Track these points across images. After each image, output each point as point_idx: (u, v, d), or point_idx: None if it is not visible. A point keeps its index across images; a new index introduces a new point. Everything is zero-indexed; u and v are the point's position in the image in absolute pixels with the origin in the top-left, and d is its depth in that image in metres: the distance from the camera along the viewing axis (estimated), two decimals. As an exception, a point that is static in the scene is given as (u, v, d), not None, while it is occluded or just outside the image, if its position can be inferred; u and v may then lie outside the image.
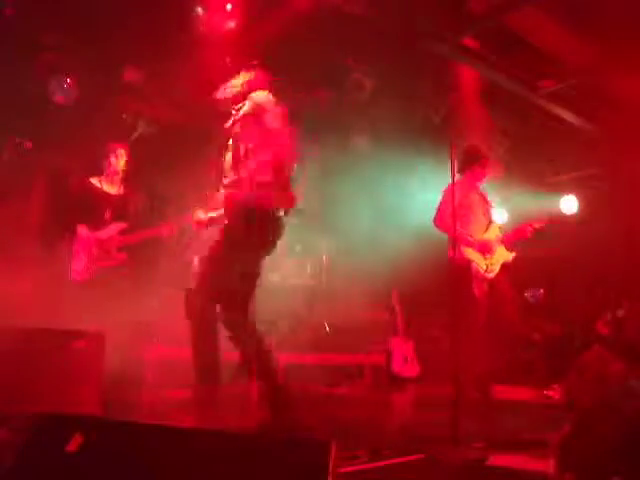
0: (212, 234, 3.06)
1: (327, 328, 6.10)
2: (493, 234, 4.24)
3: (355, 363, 5.76)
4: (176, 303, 4.96)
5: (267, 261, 2.98)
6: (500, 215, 6.11)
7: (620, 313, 5.46)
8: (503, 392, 4.50)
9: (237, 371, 3.24)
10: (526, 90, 5.85)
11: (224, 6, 4.73)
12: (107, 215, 4.15)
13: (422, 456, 2.44)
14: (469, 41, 5.17)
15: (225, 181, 2.90)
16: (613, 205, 6.01)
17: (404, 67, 5.32)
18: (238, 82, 3.07)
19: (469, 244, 4.06)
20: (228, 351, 2.96)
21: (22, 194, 4.94)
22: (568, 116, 6.19)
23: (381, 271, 6.33)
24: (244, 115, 2.90)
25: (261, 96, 2.90)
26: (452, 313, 3.24)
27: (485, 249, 4.13)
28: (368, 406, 4.60)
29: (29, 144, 4.98)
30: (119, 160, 4.29)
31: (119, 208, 4.24)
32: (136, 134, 5.59)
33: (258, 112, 2.82)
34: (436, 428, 2.99)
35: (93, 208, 4.13)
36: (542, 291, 6.80)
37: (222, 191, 2.90)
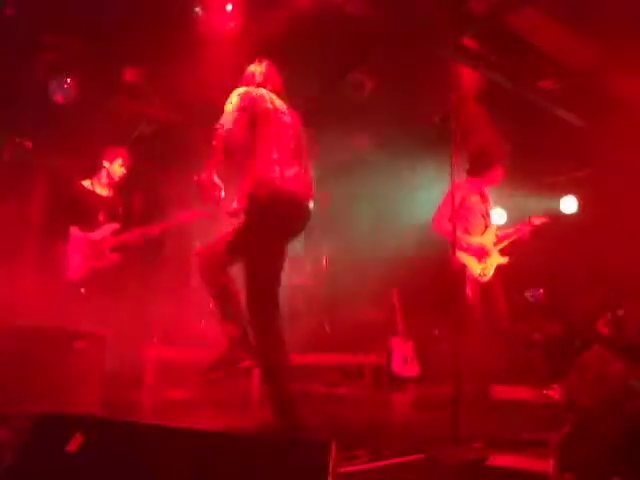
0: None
1: (327, 328, 6.10)
2: (489, 238, 4.24)
3: (355, 363, 5.76)
4: (176, 303, 4.99)
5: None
6: (500, 215, 6.11)
7: (620, 313, 5.46)
8: (503, 392, 4.50)
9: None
10: (526, 90, 5.85)
11: (224, 6, 4.73)
12: (100, 217, 4.19)
13: (422, 456, 2.44)
14: (469, 41, 5.17)
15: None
16: (613, 205, 6.00)
17: (404, 67, 5.32)
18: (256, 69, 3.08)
19: (463, 249, 4.07)
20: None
21: (21, 194, 4.94)
22: (568, 116, 6.19)
23: (381, 271, 6.33)
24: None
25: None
26: (450, 314, 3.24)
27: (480, 254, 4.14)
28: (368, 406, 4.60)
29: (29, 144, 4.99)
30: (114, 164, 4.31)
31: (112, 209, 4.27)
32: (136, 134, 5.59)
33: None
34: (436, 428, 2.99)
35: (86, 210, 4.17)
36: (542, 291, 6.79)
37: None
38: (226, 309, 2.79)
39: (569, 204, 6.87)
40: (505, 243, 4.29)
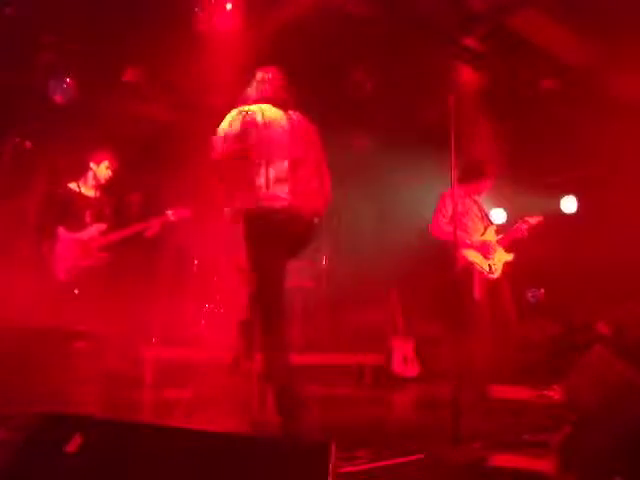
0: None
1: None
2: (490, 236, 4.24)
3: (355, 363, 5.75)
4: (176, 303, 4.98)
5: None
6: (499, 215, 6.11)
7: (620, 313, 5.45)
8: (503, 392, 4.49)
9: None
10: (526, 90, 5.86)
11: (224, 6, 4.73)
12: (87, 218, 4.22)
13: (422, 456, 2.44)
14: (469, 41, 5.17)
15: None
16: (613, 205, 6.00)
17: (404, 67, 5.32)
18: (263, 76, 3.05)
19: (468, 246, 4.07)
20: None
21: (21, 194, 4.94)
22: (568, 116, 6.19)
23: (381, 271, 6.33)
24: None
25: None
26: (455, 313, 3.23)
27: (486, 250, 4.14)
28: (368, 406, 4.59)
29: (29, 144, 4.99)
30: (101, 167, 4.35)
31: (99, 210, 4.30)
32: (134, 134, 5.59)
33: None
34: (436, 428, 2.98)
35: (73, 212, 4.20)
36: (542, 291, 6.79)
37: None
38: None
39: (569, 204, 6.87)
40: (505, 242, 4.29)
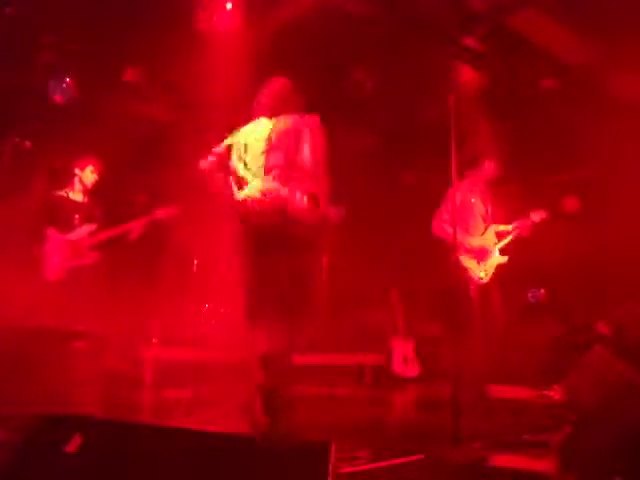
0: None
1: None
2: (489, 238, 4.23)
3: (355, 363, 5.75)
4: (176, 303, 4.98)
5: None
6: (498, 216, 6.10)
7: (620, 313, 5.45)
8: (503, 392, 4.49)
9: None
10: (526, 90, 5.85)
11: (224, 5, 4.73)
12: (77, 221, 4.27)
13: (422, 456, 2.44)
14: (469, 41, 5.17)
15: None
16: (613, 205, 6.00)
17: (404, 67, 5.32)
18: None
19: (466, 251, 4.07)
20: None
21: (19, 194, 4.94)
22: (568, 116, 6.19)
23: (381, 271, 6.33)
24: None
25: None
26: (451, 315, 3.24)
27: (481, 255, 4.14)
28: (368, 406, 4.59)
29: (29, 144, 4.99)
30: (86, 172, 4.39)
31: (88, 214, 4.35)
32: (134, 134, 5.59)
33: None
34: (436, 428, 2.98)
35: (63, 216, 4.25)
36: (542, 291, 6.79)
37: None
38: None
39: (569, 204, 6.86)
40: (506, 241, 4.28)
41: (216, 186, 3.12)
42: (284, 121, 3.09)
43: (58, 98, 5.03)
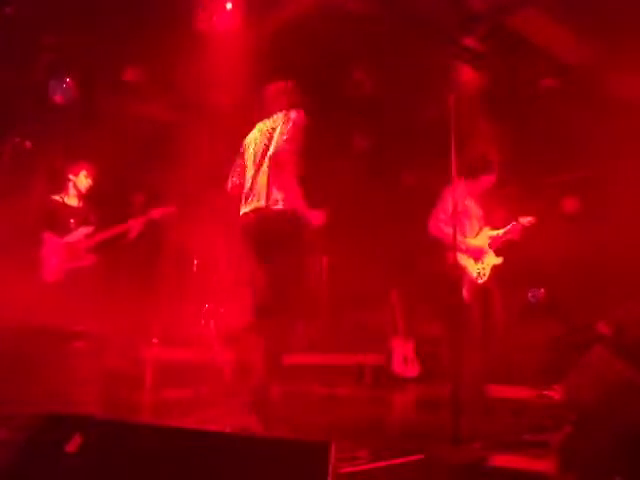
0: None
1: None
2: (483, 240, 4.25)
3: (355, 363, 5.75)
4: (176, 303, 4.97)
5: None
6: (498, 216, 6.10)
7: (621, 313, 5.45)
8: (504, 392, 4.49)
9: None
10: (526, 89, 5.85)
11: (224, 5, 4.73)
12: (72, 226, 4.28)
13: (422, 456, 2.44)
14: (469, 41, 5.17)
15: None
16: (613, 205, 6.00)
17: (404, 67, 5.31)
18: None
19: (463, 251, 4.07)
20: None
21: (19, 194, 4.94)
22: (568, 116, 6.19)
23: (381, 271, 6.33)
24: None
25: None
26: (448, 315, 3.24)
27: (477, 255, 4.15)
28: (368, 406, 4.59)
29: (28, 144, 4.99)
30: (80, 177, 4.40)
31: (84, 218, 4.36)
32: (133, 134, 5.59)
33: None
34: (436, 428, 2.98)
35: (59, 221, 4.26)
36: (542, 291, 6.79)
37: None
38: None
39: (569, 204, 6.87)
40: (497, 244, 4.30)
41: None
42: (269, 121, 3.21)
43: (58, 98, 5.03)
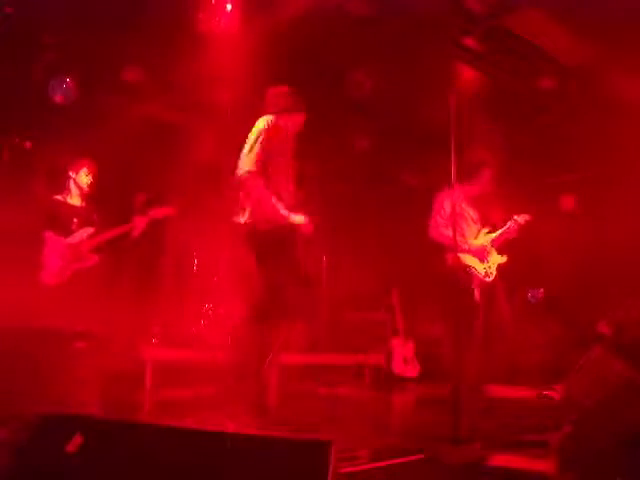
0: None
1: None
2: (484, 240, 4.25)
3: (355, 363, 5.75)
4: (175, 304, 4.97)
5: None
6: (498, 216, 6.10)
7: (621, 313, 5.45)
8: (503, 392, 4.50)
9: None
10: (526, 89, 5.85)
11: (224, 6, 4.73)
12: (75, 226, 4.24)
13: (422, 456, 2.44)
14: (469, 41, 5.17)
15: None
16: (613, 205, 6.00)
17: (404, 67, 5.31)
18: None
19: (465, 251, 4.08)
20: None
21: (19, 194, 4.94)
22: (568, 116, 6.19)
23: (381, 271, 6.34)
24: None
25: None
26: (453, 316, 3.24)
27: (482, 255, 4.17)
28: (368, 406, 4.60)
29: (29, 144, 4.98)
30: (80, 175, 4.36)
31: (86, 218, 4.32)
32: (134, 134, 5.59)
33: None
34: (436, 428, 2.98)
35: (61, 221, 4.22)
36: (542, 291, 6.79)
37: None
38: None
39: (565, 203, 6.87)
40: (496, 244, 4.30)
41: None
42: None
43: (58, 98, 5.03)
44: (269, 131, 3.15)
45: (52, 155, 5.11)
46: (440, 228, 4.05)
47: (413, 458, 2.42)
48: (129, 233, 4.29)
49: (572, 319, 5.87)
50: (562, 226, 6.38)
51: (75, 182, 4.38)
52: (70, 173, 4.38)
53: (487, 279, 4.13)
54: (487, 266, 4.16)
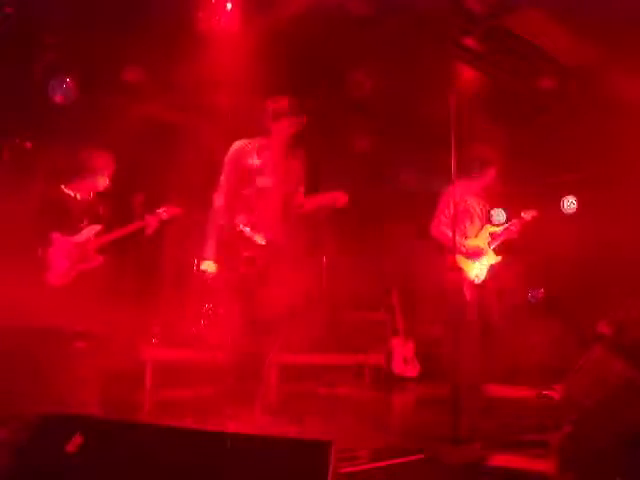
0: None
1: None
2: (483, 239, 4.24)
3: (355, 363, 5.75)
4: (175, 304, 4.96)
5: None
6: (499, 215, 6.11)
7: (621, 313, 5.45)
8: (503, 392, 4.49)
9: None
10: (526, 89, 5.85)
11: (224, 5, 4.73)
12: (83, 221, 4.19)
13: (422, 456, 2.44)
14: (469, 41, 5.17)
15: None
16: (613, 205, 6.00)
17: (404, 67, 5.31)
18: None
19: (463, 253, 4.08)
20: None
21: (19, 195, 4.94)
22: (568, 116, 6.19)
23: (381, 271, 6.34)
24: None
25: None
26: (450, 316, 3.24)
27: (475, 255, 4.15)
28: (368, 406, 4.60)
29: (29, 144, 4.98)
30: (98, 174, 4.30)
31: (94, 214, 4.27)
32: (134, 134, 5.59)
33: None
34: (436, 428, 2.98)
35: (68, 215, 4.16)
36: (542, 291, 6.79)
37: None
38: None
39: (569, 204, 6.87)
40: (497, 242, 4.29)
41: None
42: None
43: (58, 98, 5.02)
44: (229, 157, 3.34)
45: (52, 155, 5.11)
46: (442, 227, 4.04)
47: (413, 458, 2.42)
48: (140, 232, 4.24)
49: (572, 319, 5.87)
50: (562, 226, 6.38)
51: (91, 181, 4.30)
52: (89, 173, 4.29)
53: (476, 280, 4.11)
54: (478, 267, 4.14)
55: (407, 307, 6.47)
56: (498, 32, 5.04)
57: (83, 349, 3.03)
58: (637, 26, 4.51)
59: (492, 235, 4.27)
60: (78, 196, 4.31)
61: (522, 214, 4.26)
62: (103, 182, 4.32)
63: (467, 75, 5.67)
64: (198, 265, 5.83)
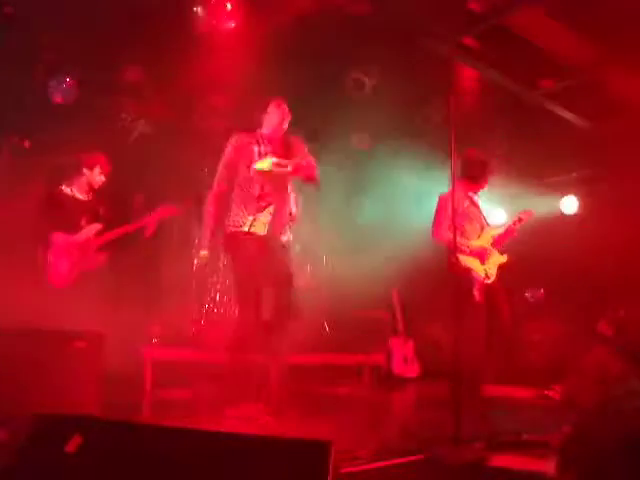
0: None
1: (327, 328, 6.10)
2: (486, 239, 4.26)
3: (355, 363, 5.75)
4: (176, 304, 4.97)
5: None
6: (499, 216, 6.11)
7: (621, 313, 5.45)
8: (504, 392, 4.50)
9: None
10: (526, 90, 5.85)
11: (224, 6, 4.73)
12: (82, 221, 4.19)
13: (422, 456, 2.44)
14: (469, 41, 5.16)
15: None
16: (613, 205, 6.00)
17: (404, 67, 5.31)
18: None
19: (465, 253, 4.08)
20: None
21: (18, 195, 4.93)
22: (568, 116, 6.19)
23: (381, 271, 6.33)
24: None
25: None
26: (454, 317, 3.23)
27: (482, 256, 4.16)
28: (368, 406, 4.60)
29: (28, 144, 4.98)
30: (94, 172, 4.31)
31: (93, 213, 4.27)
32: (135, 134, 5.59)
33: None
34: (436, 428, 2.98)
35: (68, 216, 4.16)
36: (542, 291, 6.79)
37: None
38: None
39: (569, 204, 6.87)
40: (502, 243, 4.30)
41: None
42: None
43: (58, 98, 5.02)
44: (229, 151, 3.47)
45: (52, 155, 5.11)
46: (443, 229, 4.05)
47: (413, 458, 2.42)
48: (140, 232, 4.24)
49: (572, 319, 5.87)
50: (562, 226, 6.38)
51: (87, 179, 4.31)
52: (84, 169, 4.31)
53: (487, 281, 4.13)
54: (487, 267, 4.16)
55: (407, 307, 6.47)
56: (498, 32, 5.04)
57: (83, 349, 3.03)
58: (637, 26, 4.51)
59: (494, 237, 4.29)
60: (78, 196, 4.31)
61: (519, 215, 4.28)
62: (98, 180, 4.34)
63: (467, 75, 5.67)
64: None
